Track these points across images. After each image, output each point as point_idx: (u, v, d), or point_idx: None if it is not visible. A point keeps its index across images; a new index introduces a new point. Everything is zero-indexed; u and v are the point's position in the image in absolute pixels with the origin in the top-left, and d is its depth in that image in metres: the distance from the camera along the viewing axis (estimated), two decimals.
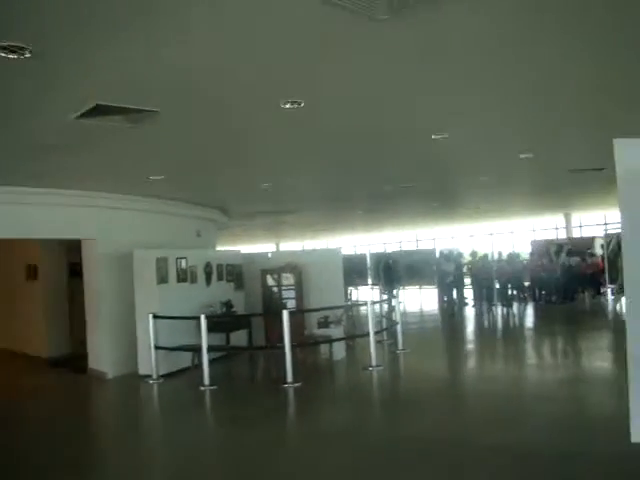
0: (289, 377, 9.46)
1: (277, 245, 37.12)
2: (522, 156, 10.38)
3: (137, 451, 6.98)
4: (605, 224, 26.09)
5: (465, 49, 4.93)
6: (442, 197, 17.06)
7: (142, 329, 10.80)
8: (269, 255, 14.69)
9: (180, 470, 6.14)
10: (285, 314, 9.74)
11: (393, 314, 14.17)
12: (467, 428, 6.84)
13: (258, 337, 12.33)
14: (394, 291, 15.93)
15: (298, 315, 11.44)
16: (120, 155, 8.33)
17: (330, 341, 11.32)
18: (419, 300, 25.98)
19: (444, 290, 21.52)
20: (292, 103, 6.05)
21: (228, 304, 12.18)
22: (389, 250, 31.90)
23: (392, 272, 20.84)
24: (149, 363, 10.59)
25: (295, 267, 12.55)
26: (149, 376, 10.52)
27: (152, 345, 10.49)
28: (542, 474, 5.25)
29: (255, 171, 10.45)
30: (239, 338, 12.10)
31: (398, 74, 5.53)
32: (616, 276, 19.03)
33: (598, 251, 22.67)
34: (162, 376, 10.59)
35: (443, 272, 21.32)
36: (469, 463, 5.67)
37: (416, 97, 6.41)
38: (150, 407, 9.58)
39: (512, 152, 10.15)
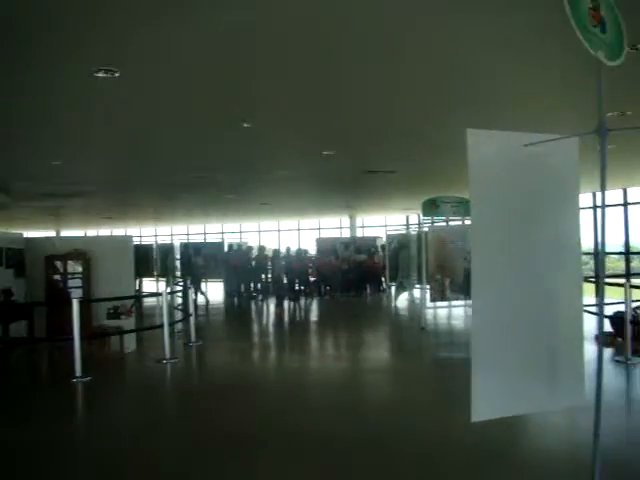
0: (78, 371, 8.84)
1: (58, 232, 34.86)
2: (325, 153, 10.63)
3: None
4: (386, 225, 27.79)
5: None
6: (238, 189, 16.93)
7: None
8: (55, 241, 13.66)
9: None
10: (75, 303, 9.12)
11: (185, 306, 13.84)
12: (264, 417, 6.89)
13: (40, 329, 11.39)
14: (189, 283, 15.59)
15: (86, 305, 10.75)
16: None
17: (121, 332, 10.80)
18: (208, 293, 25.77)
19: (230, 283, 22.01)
20: (106, 72, 5.59)
21: (7, 292, 11.14)
22: (177, 243, 31.23)
23: (191, 264, 20.82)
24: None
25: (83, 254, 11.78)
26: None
27: None
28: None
29: (47, 144, 9.57)
30: (18, 330, 11.11)
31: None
32: (395, 274, 20.27)
33: (379, 250, 24.05)
34: None
35: (195, 265, 21.84)
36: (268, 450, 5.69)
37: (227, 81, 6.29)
38: None
39: (316, 148, 10.35)
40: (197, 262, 22.19)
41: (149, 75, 6.03)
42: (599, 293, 4.22)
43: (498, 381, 3.63)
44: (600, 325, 3.48)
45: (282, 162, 12.01)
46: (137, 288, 19.54)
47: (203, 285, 21.95)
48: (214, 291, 23.65)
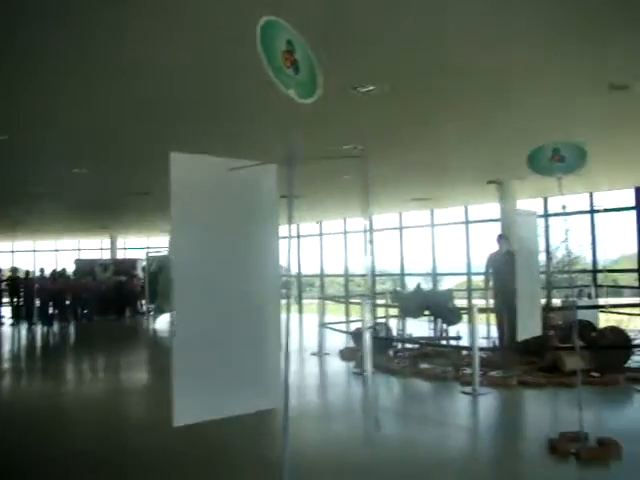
0: None
1: None
2: (75, 170, 10.52)
3: None
4: (147, 247, 27.58)
5: None
6: None
7: None
8: None
9: None
10: None
11: None
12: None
13: None
14: None
15: None
16: None
17: None
18: None
19: None
20: None
21: None
22: None
23: None
24: None
25: None
26: None
27: None
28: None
29: None
30: None
31: None
32: (155, 296, 20.16)
33: (140, 272, 23.83)
34: None
35: None
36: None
37: None
38: None
39: (67, 166, 10.24)
40: None
41: None
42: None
43: (198, 387, 3.95)
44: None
45: (34, 178, 11.65)
46: None
47: None
48: None
